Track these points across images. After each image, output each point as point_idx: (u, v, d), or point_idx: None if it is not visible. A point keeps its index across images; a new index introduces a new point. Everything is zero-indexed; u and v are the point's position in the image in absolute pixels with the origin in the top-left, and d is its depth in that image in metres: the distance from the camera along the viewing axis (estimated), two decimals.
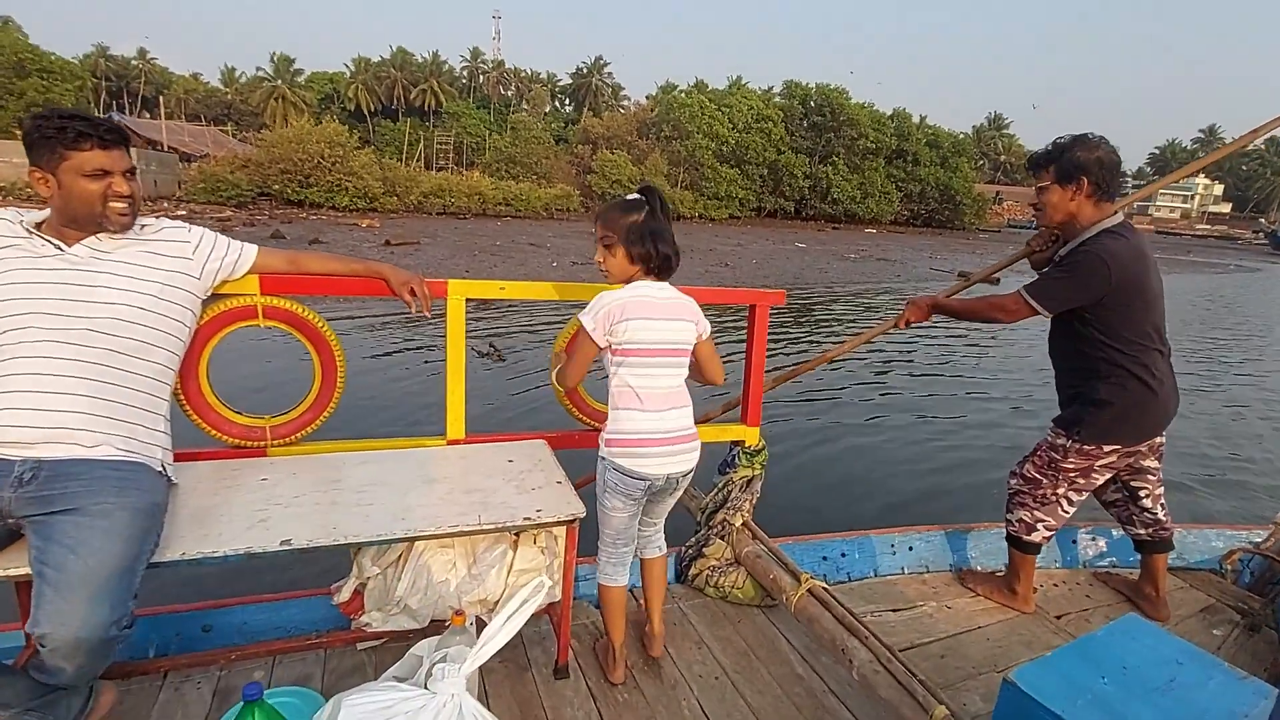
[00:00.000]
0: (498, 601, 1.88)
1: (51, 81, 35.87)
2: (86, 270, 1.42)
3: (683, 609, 2.17)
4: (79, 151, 1.37)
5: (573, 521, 1.68)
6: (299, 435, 1.86)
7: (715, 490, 2.34)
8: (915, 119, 48.71)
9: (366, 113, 52.78)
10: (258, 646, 1.80)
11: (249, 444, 1.82)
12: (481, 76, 58.29)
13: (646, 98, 50.06)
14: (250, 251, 1.68)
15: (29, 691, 1.28)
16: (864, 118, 45.09)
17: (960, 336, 10.50)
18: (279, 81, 55.38)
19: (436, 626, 1.85)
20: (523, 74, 58.98)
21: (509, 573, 1.89)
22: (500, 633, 1.57)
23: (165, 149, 28.04)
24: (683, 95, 43.13)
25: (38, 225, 1.45)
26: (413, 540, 1.69)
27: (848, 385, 7.38)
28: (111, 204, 1.42)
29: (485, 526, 1.59)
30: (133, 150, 1.53)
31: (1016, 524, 2.26)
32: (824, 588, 1.91)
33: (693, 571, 2.26)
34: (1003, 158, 78.12)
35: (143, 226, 1.54)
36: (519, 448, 2.00)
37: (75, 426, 1.35)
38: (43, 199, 1.42)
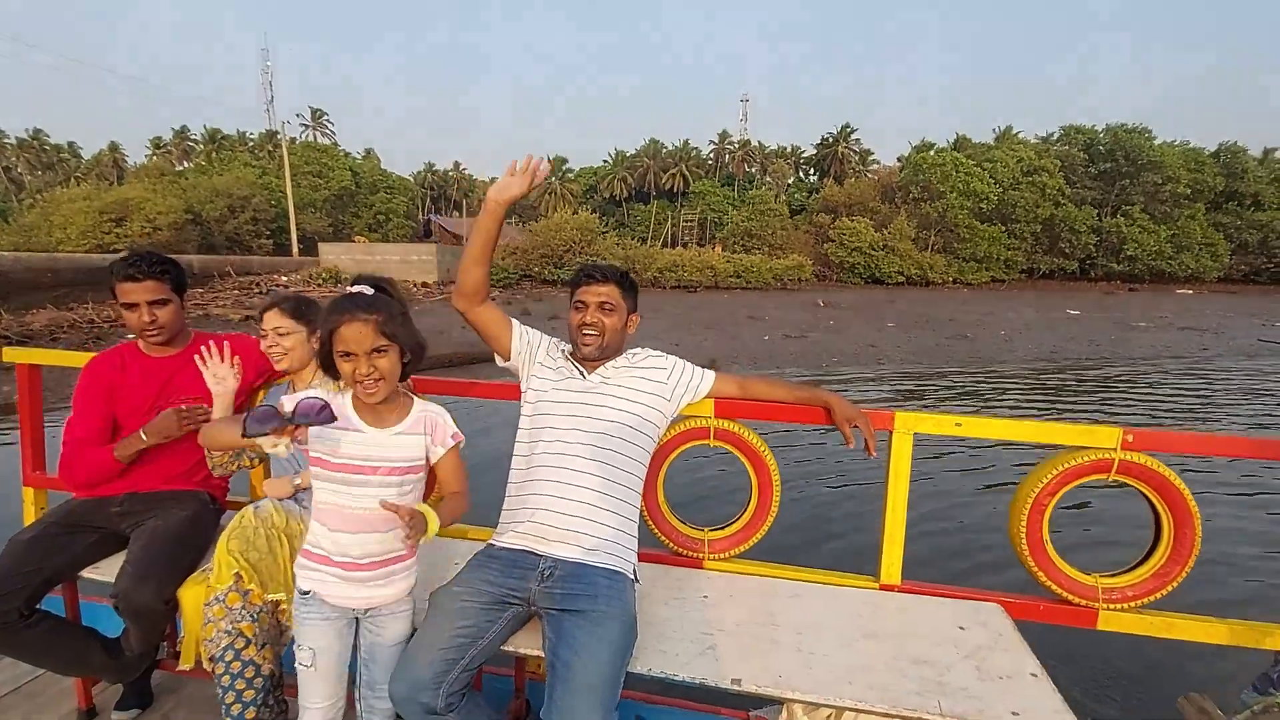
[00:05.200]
0: None
1: (393, 194, 46.69)
2: (595, 393, 1.68)
3: None
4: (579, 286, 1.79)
5: None
6: (732, 552, 1.90)
7: (1246, 713, 1.75)
8: (1256, 152, 39.66)
9: (621, 199, 59.00)
10: None
11: (688, 553, 1.91)
12: (728, 156, 61.49)
13: (897, 159, 48.26)
14: (709, 378, 1.79)
15: None
16: (1173, 159, 37.96)
17: None
18: (553, 178, 64.97)
19: None
20: (767, 149, 60.85)
21: None
22: None
23: (465, 242, 34.29)
24: (933, 155, 40.78)
25: (567, 354, 1.79)
26: (858, 711, 1.55)
27: None
28: (583, 333, 1.75)
29: (948, 718, 1.40)
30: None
31: None
32: None
33: None
34: None
35: (633, 354, 1.75)
36: (968, 610, 1.75)
37: (581, 531, 1.54)
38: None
